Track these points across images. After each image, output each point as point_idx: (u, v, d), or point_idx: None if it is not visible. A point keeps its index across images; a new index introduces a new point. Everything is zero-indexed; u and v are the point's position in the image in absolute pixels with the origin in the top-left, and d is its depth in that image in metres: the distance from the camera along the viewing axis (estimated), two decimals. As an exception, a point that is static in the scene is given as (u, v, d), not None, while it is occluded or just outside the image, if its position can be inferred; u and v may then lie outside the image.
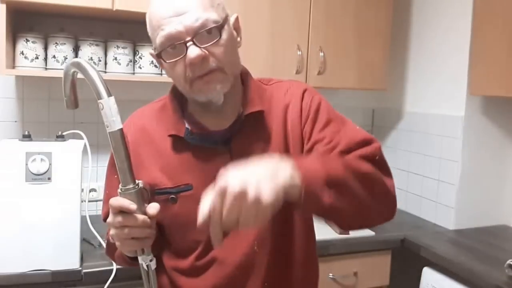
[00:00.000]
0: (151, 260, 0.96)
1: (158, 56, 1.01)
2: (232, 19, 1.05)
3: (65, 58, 1.88)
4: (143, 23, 2.43)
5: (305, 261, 1.15)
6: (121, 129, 0.89)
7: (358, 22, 2.24)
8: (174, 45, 0.96)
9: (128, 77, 1.95)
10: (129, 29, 2.11)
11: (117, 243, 0.96)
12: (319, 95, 1.12)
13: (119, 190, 0.92)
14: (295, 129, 1.08)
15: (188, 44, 0.95)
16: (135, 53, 2.01)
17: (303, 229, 1.14)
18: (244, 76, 1.12)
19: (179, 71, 0.99)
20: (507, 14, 1.89)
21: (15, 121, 2.05)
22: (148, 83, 1.98)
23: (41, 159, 1.52)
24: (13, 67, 1.85)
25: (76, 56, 1.93)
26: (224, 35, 0.99)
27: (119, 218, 0.91)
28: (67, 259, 1.56)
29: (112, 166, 1.13)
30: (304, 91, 1.11)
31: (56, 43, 1.88)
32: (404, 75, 2.52)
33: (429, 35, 2.35)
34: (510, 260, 1.64)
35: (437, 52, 2.30)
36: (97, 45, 1.93)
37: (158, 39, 0.98)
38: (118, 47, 1.95)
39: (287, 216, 1.10)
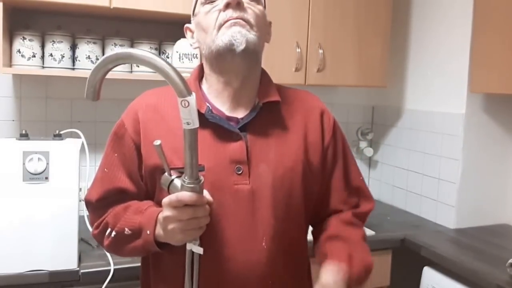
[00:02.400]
0: (199, 245, 0.98)
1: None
2: (268, 20, 1.14)
3: (62, 57, 1.87)
4: (141, 20, 2.41)
5: (305, 260, 1.17)
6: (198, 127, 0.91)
7: (358, 19, 2.22)
8: None
9: (126, 76, 1.94)
10: (127, 27, 2.10)
11: (179, 236, 0.95)
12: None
13: (182, 183, 0.92)
14: (317, 140, 1.13)
15: None
16: (133, 51, 2.00)
17: (305, 229, 1.17)
18: (262, 72, 1.15)
19: (212, 17, 1.03)
20: (508, 11, 1.87)
21: (12, 120, 2.04)
22: (146, 82, 1.97)
23: (39, 158, 1.51)
24: (10, 65, 1.84)
25: (74, 54, 1.92)
26: (261, 5, 1.09)
27: (189, 211, 0.92)
28: (65, 259, 1.55)
29: (114, 143, 1.10)
30: (334, 119, 1.19)
31: (53, 41, 1.87)
32: (404, 72, 2.50)
33: (430, 31, 2.34)
34: (511, 259, 1.63)
35: (438, 49, 2.29)
36: (94, 43, 1.92)
37: None
38: (115, 44, 1.94)
39: (294, 212, 1.10)
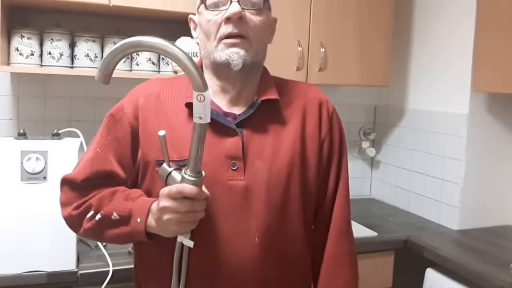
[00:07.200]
0: (190, 238, 0.99)
1: (203, 1, 1.07)
2: (272, 17, 1.14)
3: (61, 55, 1.85)
4: (141, 18, 2.40)
5: (302, 255, 1.15)
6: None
7: (360, 17, 2.20)
8: (218, 1, 1.05)
9: (125, 74, 1.93)
10: (126, 25, 2.09)
11: (174, 227, 0.96)
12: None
13: (183, 175, 0.94)
14: (314, 131, 1.14)
15: (233, 0, 1.03)
16: (132, 49, 1.98)
17: (303, 223, 1.14)
18: (263, 70, 1.17)
19: (214, 24, 1.05)
20: (511, 10, 1.86)
21: (10, 119, 2.02)
22: (145, 80, 1.96)
23: (37, 158, 1.50)
24: (8, 63, 1.83)
25: (72, 52, 1.90)
26: (264, 14, 1.08)
27: (187, 204, 0.93)
28: (63, 260, 1.54)
29: (111, 126, 1.09)
30: (333, 110, 1.19)
31: (51, 39, 1.85)
32: (407, 72, 2.49)
33: (432, 31, 2.32)
34: (515, 261, 1.62)
35: (441, 48, 2.27)
36: (93, 41, 1.90)
37: None
38: (115, 43, 1.92)
39: (289, 209, 1.09)
